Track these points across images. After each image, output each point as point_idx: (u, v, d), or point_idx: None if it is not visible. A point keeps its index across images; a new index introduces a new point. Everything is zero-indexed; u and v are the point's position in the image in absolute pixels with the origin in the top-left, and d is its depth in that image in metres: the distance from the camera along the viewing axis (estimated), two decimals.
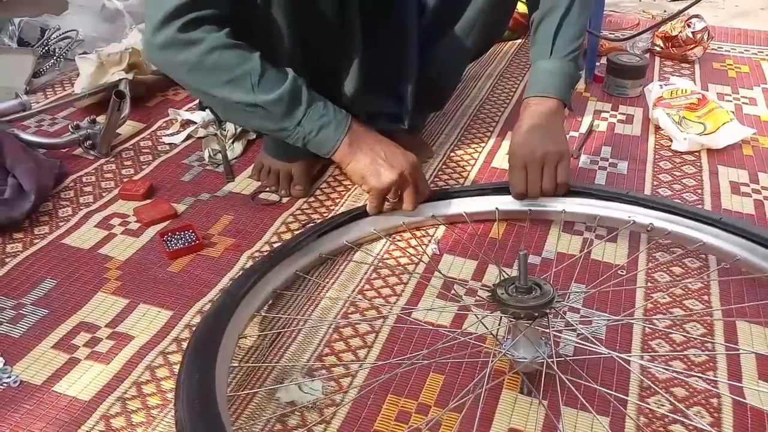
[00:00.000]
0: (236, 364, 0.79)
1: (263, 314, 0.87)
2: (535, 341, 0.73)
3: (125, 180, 1.17)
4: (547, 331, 0.75)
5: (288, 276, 0.91)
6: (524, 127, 1.04)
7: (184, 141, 1.30)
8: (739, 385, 0.78)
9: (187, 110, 1.41)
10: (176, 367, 0.79)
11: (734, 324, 0.87)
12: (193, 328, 0.85)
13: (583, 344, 0.79)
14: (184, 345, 0.83)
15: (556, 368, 0.72)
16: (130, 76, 1.39)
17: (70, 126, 1.26)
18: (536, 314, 0.71)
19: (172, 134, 1.32)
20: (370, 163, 0.97)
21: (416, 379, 0.78)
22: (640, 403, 0.75)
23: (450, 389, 0.77)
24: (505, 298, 0.72)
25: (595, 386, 0.75)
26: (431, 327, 0.85)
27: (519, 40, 1.83)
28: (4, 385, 0.77)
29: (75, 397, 0.76)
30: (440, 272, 0.95)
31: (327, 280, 0.94)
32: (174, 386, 0.77)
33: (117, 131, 1.28)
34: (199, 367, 0.69)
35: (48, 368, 0.80)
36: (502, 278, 0.76)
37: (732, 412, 0.74)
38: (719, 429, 0.72)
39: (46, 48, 1.63)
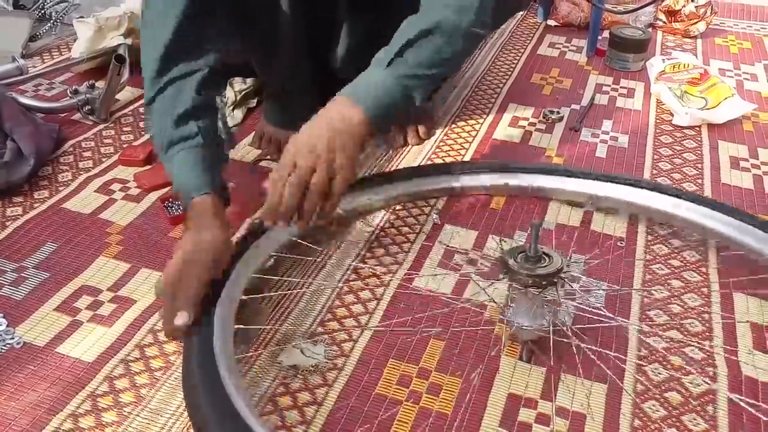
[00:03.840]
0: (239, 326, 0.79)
1: (265, 277, 0.88)
2: (539, 309, 0.74)
3: (125, 146, 1.16)
4: (554, 299, 0.75)
5: (285, 241, 0.91)
6: (310, 127, 0.84)
7: None
8: (735, 349, 0.79)
9: None
10: None
11: (731, 296, 0.88)
12: None
13: (589, 312, 0.80)
14: None
15: (571, 334, 0.73)
16: (128, 41, 1.37)
17: (68, 90, 1.25)
18: (545, 282, 0.71)
19: None
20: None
21: (417, 345, 0.79)
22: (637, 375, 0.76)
23: (450, 355, 0.78)
24: (514, 266, 0.72)
25: (609, 353, 0.76)
26: (431, 293, 0.86)
27: (521, 12, 1.81)
28: (8, 346, 0.78)
29: (78, 358, 0.76)
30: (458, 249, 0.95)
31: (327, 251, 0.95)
32: (176, 349, 0.78)
33: (116, 97, 1.27)
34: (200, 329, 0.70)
35: (51, 330, 0.80)
36: (501, 248, 0.77)
37: (727, 381, 0.76)
38: (714, 397, 0.74)
39: (43, 11, 1.61)
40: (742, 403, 0.70)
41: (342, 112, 0.84)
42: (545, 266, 0.72)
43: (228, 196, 0.87)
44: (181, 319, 0.71)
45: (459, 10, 0.87)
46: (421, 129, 1.20)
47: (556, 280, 0.72)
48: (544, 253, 0.73)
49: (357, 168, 0.87)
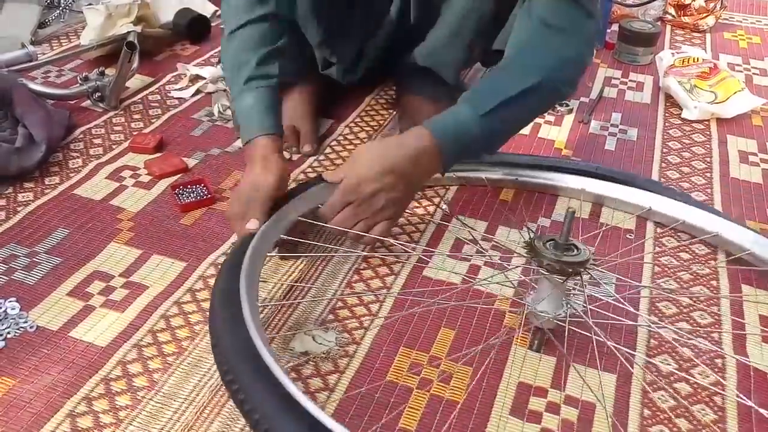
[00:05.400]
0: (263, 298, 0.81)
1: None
2: (558, 298, 0.75)
3: (135, 133, 1.17)
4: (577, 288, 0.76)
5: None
6: (388, 159, 0.83)
7: (193, 96, 1.29)
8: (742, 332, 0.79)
9: (195, 65, 1.39)
10: (191, 317, 0.81)
11: (739, 287, 0.88)
12: (208, 280, 0.86)
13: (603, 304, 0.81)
14: (199, 296, 0.84)
15: (590, 322, 0.73)
16: (138, 28, 1.37)
17: (78, 78, 1.25)
18: (570, 270, 0.72)
19: (180, 89, 1.31)
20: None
21: (428, 332, 0.80)
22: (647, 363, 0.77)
23: (461, 345, 0.78)
24: (543, 251, 0.73)
25: (620, 347, 0.76)
26: (443, 283, 0.87)
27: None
28: (22, 329, 0.78)
29: (91, 342, 0.77)
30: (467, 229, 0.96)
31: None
32: (188, 335, 0.78)
33: (126, 84, 1.27)
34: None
35: (64, 314, 0.81)
36: (530, 233, 0.77)
37: (736, 373, 0.76)
38: (722, 388, 0.74)
39: None
40: (749, 402, 0.70)
41: (422, 148, 0.83)
42: (575, 255, 0.73)
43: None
44: (253, 224, 0.80)
45: (562, 65, 0.87)
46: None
47: (582, 270, 0.73)
48: (573, 243, 0.74)
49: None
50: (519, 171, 1.04)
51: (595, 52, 1.39)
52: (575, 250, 0.73)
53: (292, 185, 1.04)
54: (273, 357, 0.62)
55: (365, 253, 0.91)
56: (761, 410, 0.70)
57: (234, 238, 0.93)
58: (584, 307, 0.76)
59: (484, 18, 1.05)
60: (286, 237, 0.86)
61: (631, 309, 0.79)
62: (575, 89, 0.94)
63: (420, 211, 1.01)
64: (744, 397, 0.71)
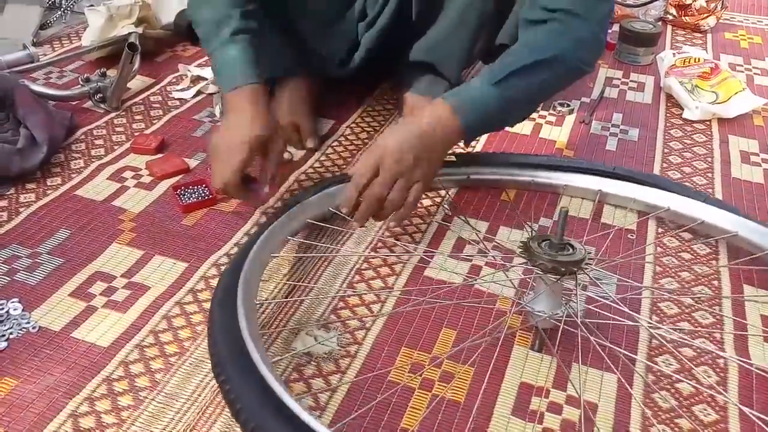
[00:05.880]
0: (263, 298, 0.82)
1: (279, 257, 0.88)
2: (556, 298, 0.75)
3: (136, 134, 1.17)
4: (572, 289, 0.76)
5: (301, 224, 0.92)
6: (410, 128, 0.87)
7: (194, 97, 1.30)
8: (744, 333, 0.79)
9: (197, 66, 1.39)
10: (193, 317, 0.81)
11: (741, 287, 0.88)
12: (210, 280, 0.86)
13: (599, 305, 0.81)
14: (201, 296, 0.84)
15: (578, 321, 0.73)
16: (139, 29, 1.37)
17: (80, 79, 1.25)
18: (563, 270, 0.72)
19: (182, 90, 1.31)
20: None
21: (429, 332, 0.80)
22: (649, 364, 0.77)
23: (462, 345, 0.78)
24: (536, 251, 0.73)
25: (619, 349, 0.76)
26: (448, 279, 0.87)
27: None
28: (24, 330, 0.78)
29: (93, 343, 0.77)
30: (472, 227, 0.96)
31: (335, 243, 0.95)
32: (190, 336, 0.78)
33: (127, 85, 1.27)
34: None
35: (66, 315, 0.81)
36: (532, 231, 0.77)
37: (738, 373, 0.76)
38: (725, 388, 0.74)
39: (53, 0, 1.61)
40: (752, 416, 0.70)
41: (441, 120, 0.86)
42: (568, 255, 0.73)
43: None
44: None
45: (576, 45, 0.90)
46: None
47: (576, 269, 0.73)
48: (568, 243, 0.74)
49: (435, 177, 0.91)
50: (534, 172, 1.04)
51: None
52: (570, 250, 0.73)
53: (294, 187, 1.05)
54: (261, 355, 0.64)
55: (366, 254, 0.91)
56: (758, 415, 0.70)
57: (235, 241, 0.93)
58: (575, 306, 0.76)
59: (488, 10, 1.06)
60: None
61: (626, 309, 0.79)
62: (593, 68, 0.96)
63: (422, 210, 1.01)
64: (735, 402, 0.71)
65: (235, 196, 0.95)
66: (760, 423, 0.68)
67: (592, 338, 0.75)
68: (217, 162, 0.90)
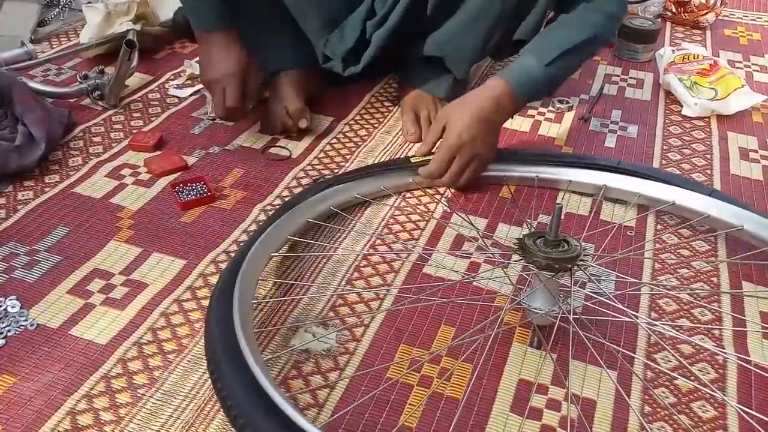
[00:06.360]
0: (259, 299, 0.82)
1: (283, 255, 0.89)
2: (552, 295, 0.75)
3: (134, 131, 1.17)
4: (567, 286, 0.76)
5: (301, 224, 0.92)
6: (476, 109, 0.97)
7: (192, 95, 1.29)
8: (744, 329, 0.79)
9: (197, 62, 1.39)
10: (191, 315, 0.81)
11: (740, 284, 0.88)
12: (208, 278, 0.86)
13: (596, 302, 0.81)
14: (199, 293, 0.84)
15: (571, 318, 0.73)
16: (137, 26, 1.37)
17: (78, 76, 1.25)
18: (558, 267, 0.72)
19: (180, 86, 1.31)
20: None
21: (428, 330, 0.80)
22: (647, 362, 0.77)
23: (460, 342, 0.78)
24: (530, 247, 0.73)
25: (616, 347, 0.76)
26: (446, 276, 0.87)
27: None
28: (22, 327, 0.78)
29: (92, 340, 0.77)
30: (473, 226, 0.96)
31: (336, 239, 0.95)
32: (189, 333, 0.78)
33: (125, 82, 1.27)
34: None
35: (64, 313, 0.81)
36: (531, 227, 0.77)
37: (737, 369, 0.76)
38: (723, 384, 0.74)
39: None
40: (746, 416, 0.70)
41: (501, 103, 0.97)
42: (563, 251, 0.72)
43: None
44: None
45: (608, 20, 1.02)
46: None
47: (572, 266, 0.72)
48: (563, 239, 0.74)
49: None
50: (538, 167, 1.05)
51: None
52: (566, 246, 0.73)
53: (293, 184, 1.05)
54: (253, 353, 0.64)
55: (365, 252, 0.91)
56: (754, 414, 0.70)
57: (233, 238, 0.93)
58: (571, 303, 0.76)
59: (508, 6, 1.07)
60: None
61: (621, 306, 0.79)
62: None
63: (421, 208, 1.01)
64: (732, 403, 0.71)
65: (236, 120, 1.15)
66: (755, 424, 0.68)
67: (588, 335, 0.75)
68: (218, 94, 1.07)
